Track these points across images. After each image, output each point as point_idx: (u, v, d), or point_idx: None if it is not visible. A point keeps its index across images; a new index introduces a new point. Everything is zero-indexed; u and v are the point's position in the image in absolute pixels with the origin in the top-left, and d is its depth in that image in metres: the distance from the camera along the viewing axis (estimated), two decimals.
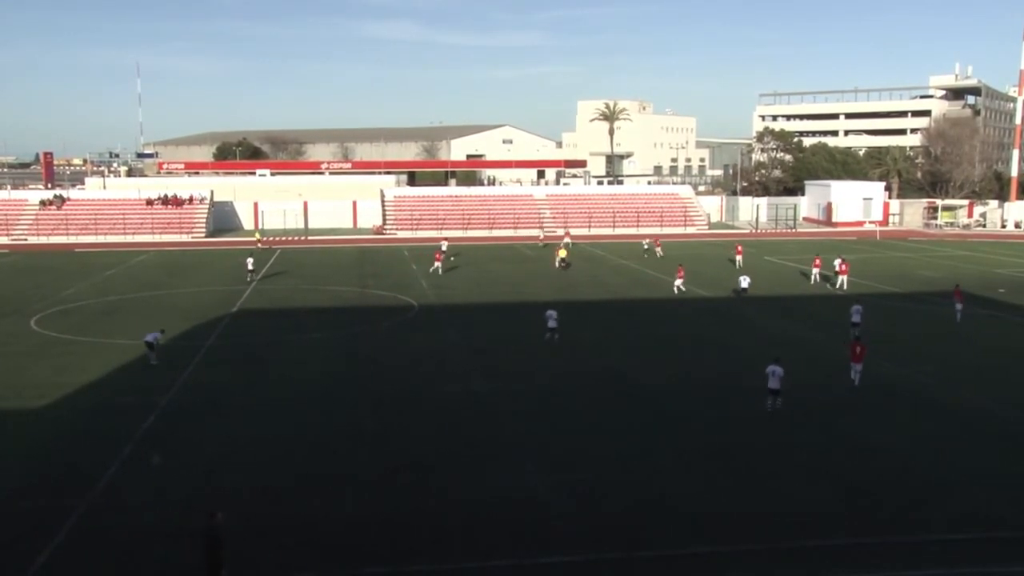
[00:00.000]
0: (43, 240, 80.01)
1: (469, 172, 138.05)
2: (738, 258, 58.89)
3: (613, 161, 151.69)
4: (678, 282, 48.85)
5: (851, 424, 25.05)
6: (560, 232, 77.14)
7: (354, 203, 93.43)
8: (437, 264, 58.02)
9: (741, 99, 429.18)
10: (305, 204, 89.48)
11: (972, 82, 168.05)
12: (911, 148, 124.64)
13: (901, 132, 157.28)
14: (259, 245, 73.11)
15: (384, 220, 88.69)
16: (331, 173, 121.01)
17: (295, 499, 19.57)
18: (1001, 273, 56.61)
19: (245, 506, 19.30)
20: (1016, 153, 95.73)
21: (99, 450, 22.71)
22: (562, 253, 61.39)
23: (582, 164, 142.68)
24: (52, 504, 19.25)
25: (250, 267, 54.89)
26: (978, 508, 19.21)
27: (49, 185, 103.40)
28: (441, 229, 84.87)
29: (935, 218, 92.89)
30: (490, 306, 45.82)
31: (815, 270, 52.66)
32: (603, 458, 22.33)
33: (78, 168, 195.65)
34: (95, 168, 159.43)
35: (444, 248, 63.33)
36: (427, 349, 35.02)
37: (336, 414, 26.11)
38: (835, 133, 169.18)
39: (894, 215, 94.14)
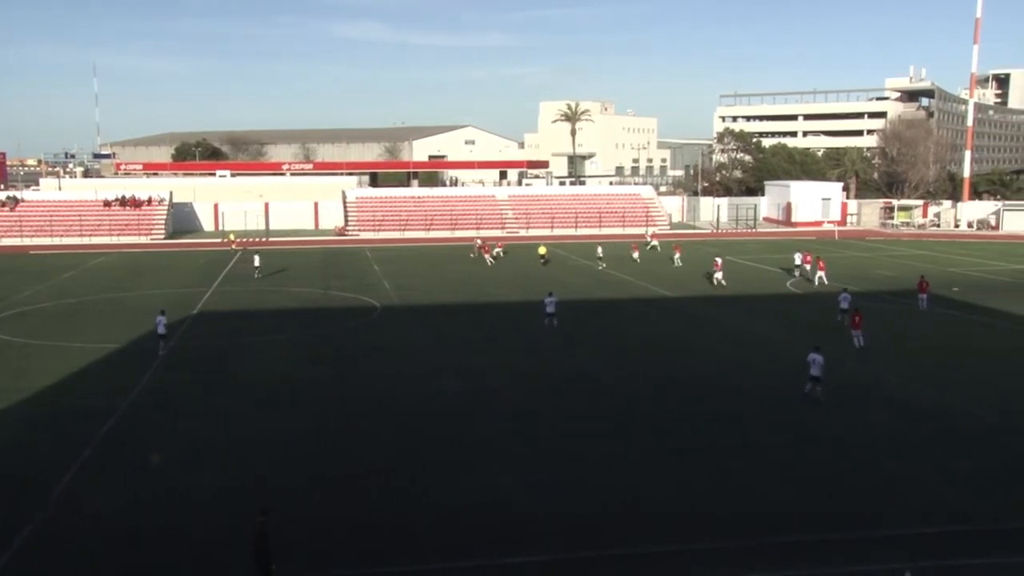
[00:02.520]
0: None
1: (431, 173, 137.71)
2: (718, 274, 52.27)
3: (575, 162, 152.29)
4: (718, 275, 51.03)
5: (818, 422, 25.33)
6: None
7: (316, 204, 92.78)
8: (486, 256, 63.13)
9: (702, 100, 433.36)
10: (266, 205, 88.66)
11: (926, 84, 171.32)
12: (868, 149, 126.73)
13: (858, 133, 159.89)
14: (232, 246, 72.56)
15: (346, 221, 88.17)
16: (292, 174, 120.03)
17: (259, 502, 19.34)
18: (954, 272, 57.71)
19: (208, 509, 19.06)
20: (968, 154, 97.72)
21: (58, 454, 22.27)
22: (542, 250, 63.85)
23: (544, 165, 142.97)
24: (10, 510, 18.83)
25: (256, 263, 56.41)
26: (943, 502, 19.53)
27: (2, 186, 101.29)
28: (404, 230, 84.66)
29: (891, 218, 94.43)
30: (453, 307, 45.73)
31: (806, 266, 55.05)
32: (574, 458, 22.34)
33: (32, 169, 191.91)
34: (50, 169, 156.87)
35: (479, 244, 67.57)
36: (391, 350, 34.85)
37: (300, 416, 25.87)
38: (794, 134, 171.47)
39: (852, 215, 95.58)
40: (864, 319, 34.83)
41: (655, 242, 71.60)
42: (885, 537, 17.80)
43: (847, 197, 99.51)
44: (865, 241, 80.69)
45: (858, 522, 18.44)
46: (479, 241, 69.41)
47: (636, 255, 63.51)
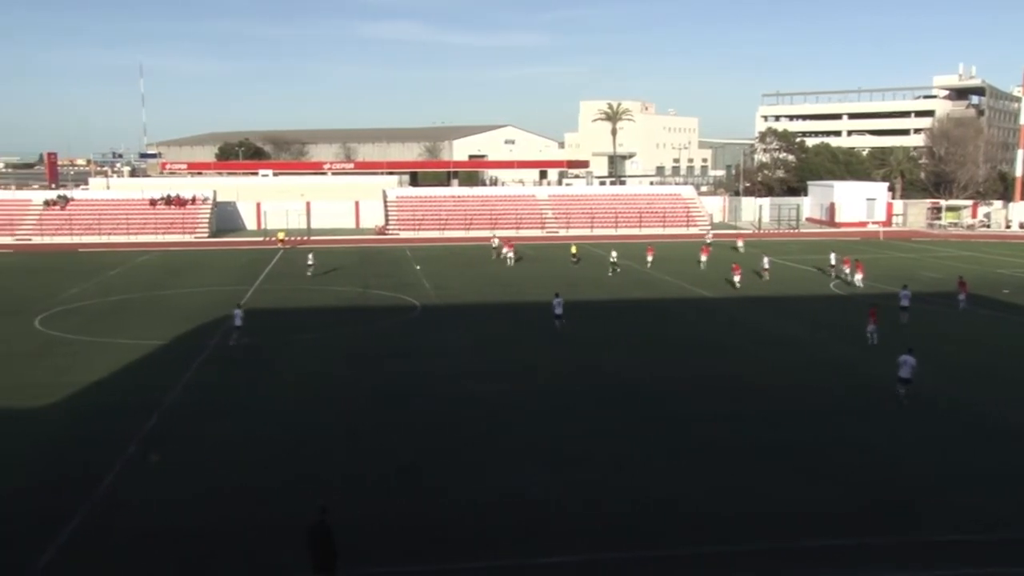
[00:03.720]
0: (47, 240, 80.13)
1: (471, 172, 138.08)
2: (735, 277, 51.79)
3: (615, 161, 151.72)
4: (736, 277, 50.66)
5: (853, 424, 25.04)
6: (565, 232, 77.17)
7: (356, 203, 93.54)
8: (508, 253, 62.48)
9: (744, 99, 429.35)
10: (308, 204, 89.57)
11: (976, 82, 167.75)
12: (915, 148, 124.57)
13: (904, 132, 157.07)
14: (281, 244, 73.65)
15: (386, 220, 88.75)
16: (333, 173, 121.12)
17: (295, 499, 19.59)
18: (1005, 274, 56.56)
19: (245, 505, 19.35)
20: (1020, 153, 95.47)
21: (102, 449, 22.76)
22: (573, 249, 63.44)
23: (584, 165, 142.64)
24: (56, 503, 19.29)
25: (310, 262, 56.58)
26: (980, 509, 19.20)
27: (53, 185, 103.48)
28: (444, 230, 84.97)
29: (939, 219, 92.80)
30: (491, 306, 45.85)
31: (845, 267, 54.26)
32: (605, 458, 22.34)
33: (82, 168, 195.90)
34: (99, 168, 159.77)
35: (494, 244, 67.24)
36: (429, 349, 35.05)
37: (337, 414, 26.15)
38: (838, 133, 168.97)
39: (897, 216, 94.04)
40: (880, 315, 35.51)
41: (740, 243, 70.37)
42: (921, 543, 17.56)
43: (893, 197, 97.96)
44: (911, 242, 79.40)
45: (891, 527, 18.18)
46: (496, 241, 68.05)
47: (704, 258, 59.89)
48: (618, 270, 57.15)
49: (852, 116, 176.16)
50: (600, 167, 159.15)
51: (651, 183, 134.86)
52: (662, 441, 23.68)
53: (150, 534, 17.96)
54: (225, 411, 26.50)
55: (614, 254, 59.13)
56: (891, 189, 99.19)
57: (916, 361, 26.69)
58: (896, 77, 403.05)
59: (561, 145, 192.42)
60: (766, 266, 54.60)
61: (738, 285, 50.00)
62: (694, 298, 47.82)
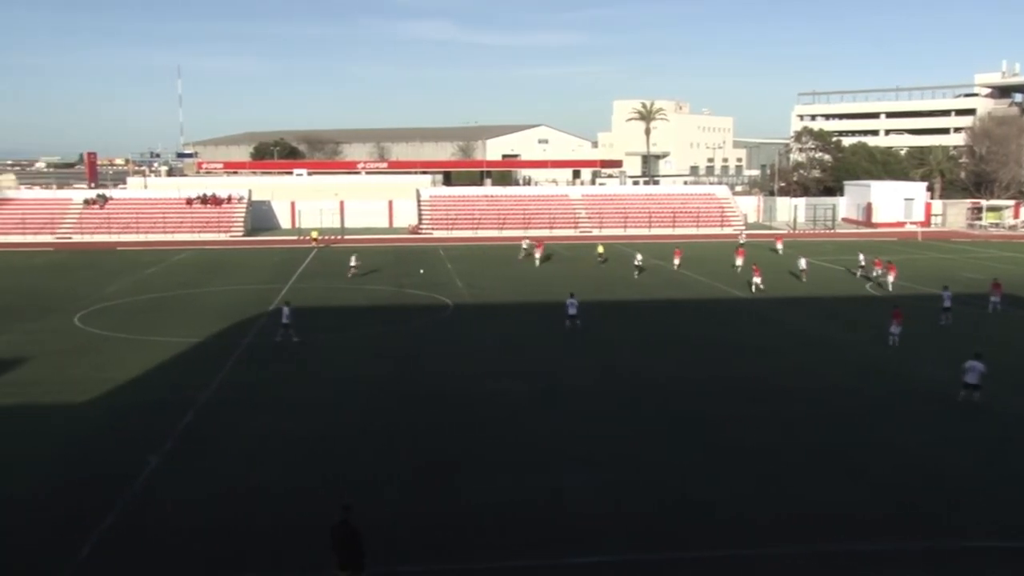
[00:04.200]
0: (86, 238, 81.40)
1: (504, 172, 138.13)
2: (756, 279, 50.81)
3: (649, 161, 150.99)
4: (756, 279, 49.01)
5: (888, 426, 24.70)
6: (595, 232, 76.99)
7: (390, 203, 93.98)
8: (537, 253, 61.74)
9: (779, 98, 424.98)
10: (341, 204, 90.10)
11: (1020, 80, 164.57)
12: (955, 148, 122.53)
13: (944, 131, 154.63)
14: (315, 244, 74.27)
15: (420, 220, 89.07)
16: (367, 173, 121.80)
17: (329, 497, 19.69)
18: None
19: (278, 504, 19.50)
20: None
21: (139, 446, 23.07)
22: (600, 249, 62.72)
23: (618, 164, 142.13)
24: (93, 498, 19.58)
25: (353, 263, 55.88)
26: (1019, 515, 18.83)
27: (92, 184, 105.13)
28: (477, 229, 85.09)
29: (979, 219, 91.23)
30: (524, 305, 45.83)
31: (877, 269, 53.17)
32: (637, 458, 22.24)
33: (120, 168, 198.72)
34: (136, 168, 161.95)
35: (525, 245, 66.14)
36: (461, 348, 35.11)
37: (370, 413, 26.29)
38: (875, 133, 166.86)
39: (936, 216, 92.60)
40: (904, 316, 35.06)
41: (779, 244, 69.74)
42: (955, 549, 17.26)
43: (932, 197, 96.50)
44: (950, 243, 78.17)
45: (928, 532, 17.90)
46: (527, 242, 67.02)
47: (739, 261, 57.40)
48: (644, 270, 56.35)
49: (890, 115, 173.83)
50: (634, 167, 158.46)
51: (685, 183, 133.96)
52: (696, 442, 23.52)
53: (183, 530, 18.17)
54: (259, 409, 26.73)
55: (639, 257, 57.35)
56: (930, 189, 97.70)
57: (984, 366, 26.16)
58: (936, 75, 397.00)
59: (594, 145, 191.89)
60: (803, 267, 54.03)
61: (761, 287, 48.27)
62: (727, 299, 47.43)
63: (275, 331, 36.16)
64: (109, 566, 16.69)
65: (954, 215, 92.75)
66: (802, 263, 54.39)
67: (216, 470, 21.54)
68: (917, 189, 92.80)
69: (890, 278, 50.24)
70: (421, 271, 36.71)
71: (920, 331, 36.67)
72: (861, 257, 56.54)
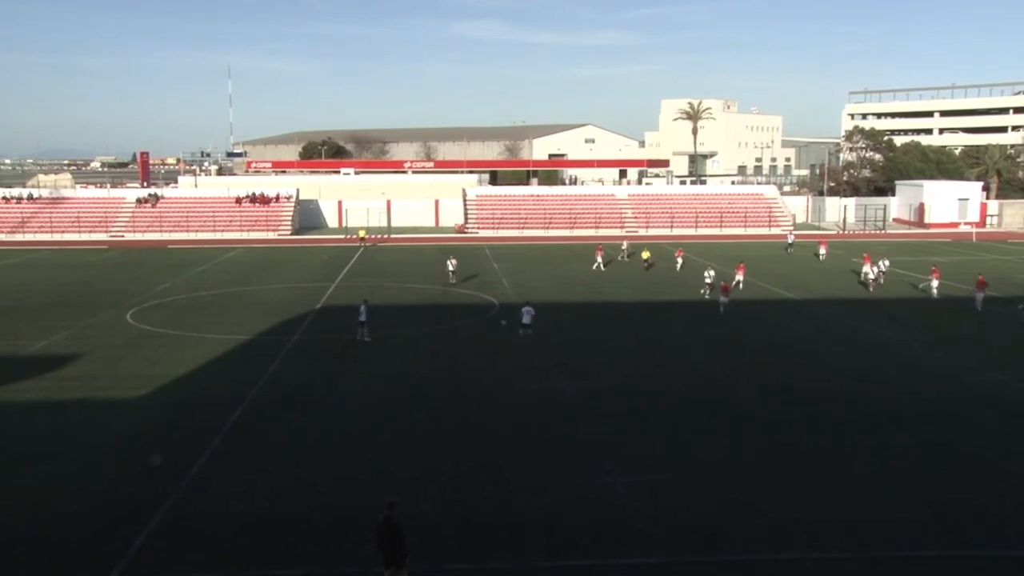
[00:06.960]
0: (139, 236, 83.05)
1: (551, 171, 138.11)
2: (865, 267, 51.79)
3: (696, 161, 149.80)
4: (866, 269, 50.33)
5: (943, 432, 24.18)
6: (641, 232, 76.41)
7: (436, 202, 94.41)
8: (599, 258, 59.73)
9: (829, 97, 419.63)
10: (388, 203, 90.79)
11: None
12: (1012, 146, 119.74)
13: (1002, 130, 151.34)
14: (362, 242, 74.94)
15: (466, 219, 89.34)
16: (414, 172, 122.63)
17: (371, 493, 19.82)
18: None
19: (327, 500, 19.67)
20: None
21: (190, 440, 23.46)
22: (646, 254, 61.46)
23: (665, 164, 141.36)
24: (147, 491, 19.93)
25: (451, 268, 53.37)
26: None
27: (145, 184, 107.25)
28: (523, 228, 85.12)
29: None
30: (570, 305, 45.70)
31: (934, 280, 48.32)
32: (684, 460, 22.06)
33: (172, 167, 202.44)
34: (188, 167, 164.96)
35: (624, 246, 65.75)
36: (506, 347, 35.11)
37: (416, 411, 26.40)
38: (929, 131, 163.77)
39: (992, 216, 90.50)
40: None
41: (823, 249, 66.73)
42: (1014, 557, 16.84)
43: (987, 197, 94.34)
44: (1007, 244, 76.36)
45: (985, 540, 17.49)
46: (626, 243, 66.78)
47: (823, 251, 63.06)
48: (714, 288, 52.87)
49: (944, 114, 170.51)
50: (680, 166, 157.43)
51: (732, 182, 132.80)
52: (748, 444, 23.24)
53: (233, 523, 18.41)
54: (308, 405, 27.01)
55: (711, 273, 49.45)
56: (986, 189, 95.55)
57: None
58: (993, 73, 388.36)
59: (641, 144, 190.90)
60: (883, 268, 52.03)
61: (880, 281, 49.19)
62: (776, 299, 46.83)
63: (354, 330, 36.06)
64: (161, 557, 16.98)
65: (1011, 215, 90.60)
66: (883, 265, 52.41)
67: (265, 465, 21.80)
68: (972, 189, 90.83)
69: (934, 282, 48.66)
70: (503, 322, 35.22)
71: (981, 334, 35.81)
72: (884, 263, 53.26)
